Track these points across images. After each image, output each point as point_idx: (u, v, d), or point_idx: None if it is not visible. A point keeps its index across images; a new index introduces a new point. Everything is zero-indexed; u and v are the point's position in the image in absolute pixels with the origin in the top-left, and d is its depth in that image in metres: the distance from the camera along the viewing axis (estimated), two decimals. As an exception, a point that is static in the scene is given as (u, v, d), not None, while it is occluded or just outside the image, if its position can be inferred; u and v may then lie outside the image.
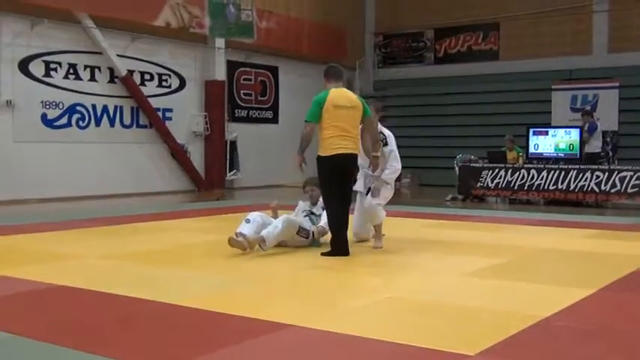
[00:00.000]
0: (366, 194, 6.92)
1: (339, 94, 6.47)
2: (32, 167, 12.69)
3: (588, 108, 14.77)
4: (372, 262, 6.38)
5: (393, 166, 6.95)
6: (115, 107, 14.24)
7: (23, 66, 12.75)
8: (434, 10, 19.23)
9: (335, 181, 6.42)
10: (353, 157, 6.49)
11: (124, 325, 4.08)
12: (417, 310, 4.46)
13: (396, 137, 7.20)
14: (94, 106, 13.85)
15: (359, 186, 7.03)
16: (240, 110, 16.90)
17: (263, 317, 4.12)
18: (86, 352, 3.44)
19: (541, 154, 12.86)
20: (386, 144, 6.95)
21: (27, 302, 4.68)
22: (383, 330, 3.88)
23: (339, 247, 6.38)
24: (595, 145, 13.12)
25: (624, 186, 11.68)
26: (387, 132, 7.06)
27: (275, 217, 6.86)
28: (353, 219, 7.16)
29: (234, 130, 16.34)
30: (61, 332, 3.86)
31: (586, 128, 13.18)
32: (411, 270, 6.08)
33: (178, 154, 15.23)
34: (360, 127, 6.64)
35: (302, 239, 6.74)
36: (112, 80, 14.16)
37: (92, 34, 13.61)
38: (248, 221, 6.67)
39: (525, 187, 12.52)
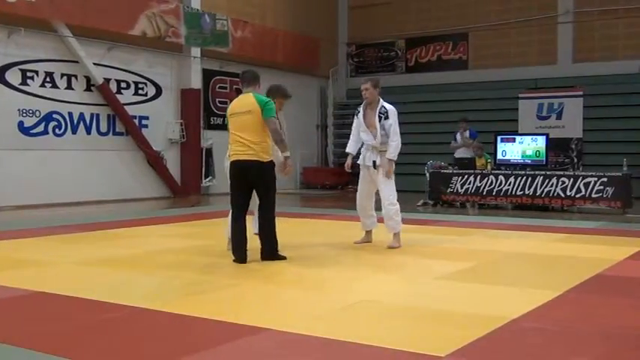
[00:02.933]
0: (374, 167, 7.32)
1: (237, 102, 6.53)
2: (9, 174, 12.69)
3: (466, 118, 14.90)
4: (344, 266, 6.42)
5: (394, 141, 7.25)
6: (92, 115, 14.30)
7: (0, 74, 12.77)
8: (405, 21, 19.59)
9: (232, 187, 6.46)
10: (248, 164, 6.30)
11: (100, 330, 4.09)
12: (389, 312, 4.54)
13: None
14: (70, 114, 13.89)
15: (360, 159, 7.42)
16: (215, 118, 17.01)
17: (239, 321, 4.16)
18: (63, 358, 3.47)
19: (508, 160, 13.05)
20: (387, 118, 7.23)
21: (3, 308, 4.70)
22: (356, 333, 3.95)
23: (233, 253, 6.41)
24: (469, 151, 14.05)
25: (588, 191, 11.98)
26: (388, 106, 7.32)
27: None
28: (357, 193, 7.57)
29: (210, 138, 16.43)
30: (39, 338, 3.88)
31: (468, 135, 13.97)
32: (383, 274, 6.15)
33: (154, 161, 15.32)
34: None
35: None
36: (88, 88, 14.21)
37: (69, 43, 13.66)
38: None
39: (494, 193, 12.79)
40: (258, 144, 6.32)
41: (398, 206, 7.38)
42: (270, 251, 6.45)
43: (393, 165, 7.39)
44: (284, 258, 6.48)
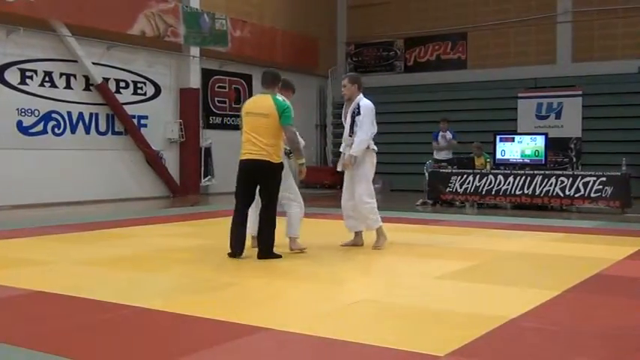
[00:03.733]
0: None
1: (253, 101, 6.64)
2: (8, 174, 12.67)
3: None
4: (343, 266, 6.43)
5: (359, 137, 7.08)
6: (91, 114, 14.29)
7: (-1, 74, 12.79)
8: (404, 21, 19.60)
9: (239, 184, 6.57)
10: (258, 163, 6.41)
11: (100, 330, 4.08)
12: (389, 312, 4.55)
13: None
14: (69, 114, 13.89)
15: (339, 165, 7.42)
16: (214, 117, 17.03)
17: (239, 321, 4.16)
18: (63, 358, 3.47)
19: (507, 159, 13.06)
20: (359, 114, 7.14)
21: (3, 308, 4.71)
22: (356, 332, 3.96)
23: (230, 247, 6.51)
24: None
25: (587, 191, 12.00)
26: (363, 103, 7.19)
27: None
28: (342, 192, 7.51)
29: (209, 137, 16.44)
30: (39, 338, 3.87)
31: (452, 136, 13.99)
32: (383, 273, 6.17)
33: (153, 160, 15.32)
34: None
35: None
36: (87, 88, 14.20)
37: (68, 42, 13.66)
38: None
39: (493, 192, 12.79)
40: (272, 146, 6.43)
41: (372, 204, 7.21)
42: (266, 250, 6.53)
43: (368, 164, 7.21)
44: (279, 256, 6.56)
